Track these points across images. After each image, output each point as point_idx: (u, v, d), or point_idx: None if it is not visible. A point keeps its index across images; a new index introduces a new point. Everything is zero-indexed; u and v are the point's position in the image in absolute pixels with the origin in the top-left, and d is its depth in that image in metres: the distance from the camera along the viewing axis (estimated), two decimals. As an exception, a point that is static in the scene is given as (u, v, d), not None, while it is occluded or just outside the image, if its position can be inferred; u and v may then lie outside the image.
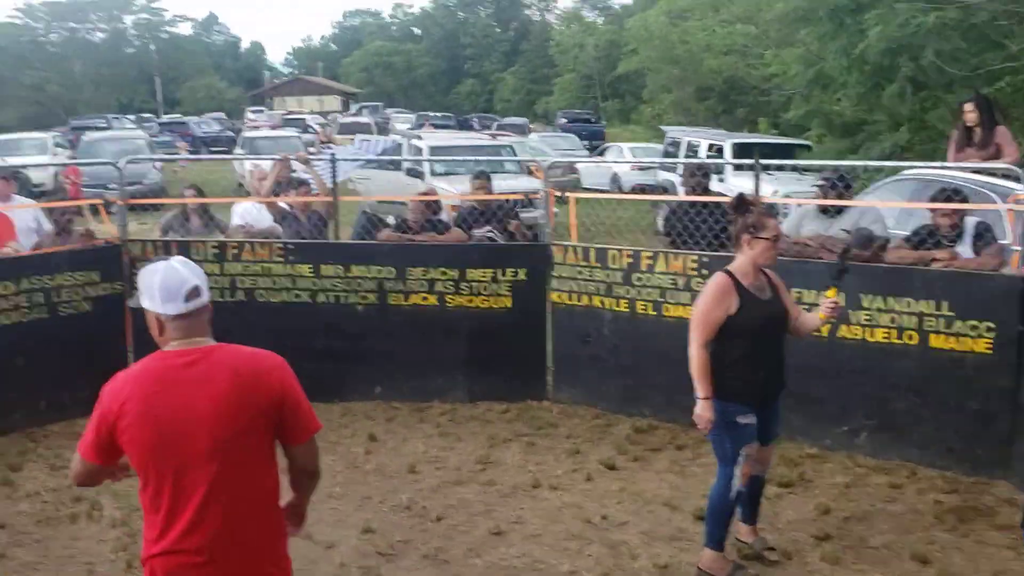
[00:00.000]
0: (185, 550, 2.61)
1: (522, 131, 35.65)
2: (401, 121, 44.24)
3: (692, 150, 17.47)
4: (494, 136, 24.99)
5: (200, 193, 7.65)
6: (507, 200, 7.87)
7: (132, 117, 45.89)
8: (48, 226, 7.04)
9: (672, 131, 20.12)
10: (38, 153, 22.36)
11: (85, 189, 15.15)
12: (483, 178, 7.81)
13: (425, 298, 6.88)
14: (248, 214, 7.76)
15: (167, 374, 2.61)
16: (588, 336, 6.74)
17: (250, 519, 2.68)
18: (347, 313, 6.91)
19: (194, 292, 2.67)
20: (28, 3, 59.91)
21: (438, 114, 50.16)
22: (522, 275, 6.82)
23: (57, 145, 25.31)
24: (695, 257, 6.23)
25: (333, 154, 7.15)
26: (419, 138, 19.20)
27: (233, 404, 2.60)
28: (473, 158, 10.90)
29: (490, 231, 7.34)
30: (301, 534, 3.07)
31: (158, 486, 2.61)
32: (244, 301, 6.89)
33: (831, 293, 4.28)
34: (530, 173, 14.17)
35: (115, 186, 7.51)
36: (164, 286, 2.64)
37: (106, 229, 7.38)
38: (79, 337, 6.59)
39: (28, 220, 7.10)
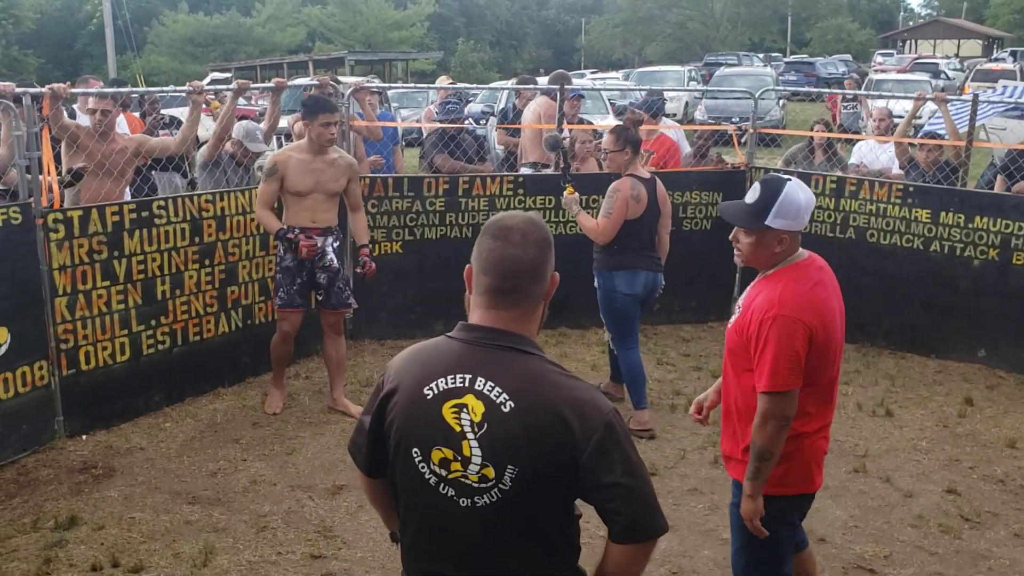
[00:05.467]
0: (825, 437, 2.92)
1: None
2: (1054, 70, 38.59)
3: None
4: None
5: (828, 128, 7.72)
6: None
7: (760, 56, 47.14)
8: (688, 148, 7.74)
9: None
10: (676, 84, 24.64)
11: (714, 119, 16.18)
12: None
13: (1057, 263, 6.15)
14: (864, 153, 7.75)
15: (824, 278, 2.84)
16: None
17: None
18: (961, 266, 6.48)
19: None
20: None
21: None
22: None
23: (691, 79, 27.37)
24: None
25: (976, 95, 6.61)
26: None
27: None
28: None
29: None
30: None
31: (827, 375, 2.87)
32: (853, 239, 6.86)
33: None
34: None
35: (737, 119, 7.90)
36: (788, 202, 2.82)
37: (734, 156, 7.87)
38: (695, 252, 7.18)
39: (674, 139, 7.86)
